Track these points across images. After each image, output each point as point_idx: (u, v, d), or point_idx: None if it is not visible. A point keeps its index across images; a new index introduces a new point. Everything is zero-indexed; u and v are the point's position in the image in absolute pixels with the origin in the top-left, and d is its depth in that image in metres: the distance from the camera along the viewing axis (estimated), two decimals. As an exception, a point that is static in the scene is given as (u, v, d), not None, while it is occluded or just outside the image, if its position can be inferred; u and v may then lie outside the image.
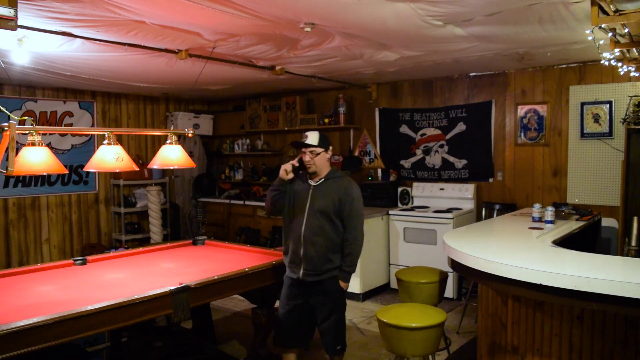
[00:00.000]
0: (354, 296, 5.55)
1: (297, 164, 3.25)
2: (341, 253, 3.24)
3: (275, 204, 3.31)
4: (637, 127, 4.35)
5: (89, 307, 2.60)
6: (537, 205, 4.00)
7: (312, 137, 3.22)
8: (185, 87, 6.32)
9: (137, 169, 3.50)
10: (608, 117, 4.97)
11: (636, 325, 2.32)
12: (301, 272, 3.21)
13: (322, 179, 3.25)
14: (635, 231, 3.96)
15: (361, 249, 3.29)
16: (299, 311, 3.29)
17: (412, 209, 5.87)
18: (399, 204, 6.17)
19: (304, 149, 3.21)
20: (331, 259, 3.20)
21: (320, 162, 3.22)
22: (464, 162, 5.97)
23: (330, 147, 3.30)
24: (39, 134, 2.87)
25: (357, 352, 4.15)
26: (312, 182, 3.26)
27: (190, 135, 3.83)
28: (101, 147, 3.25)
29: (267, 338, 3.96)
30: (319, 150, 3.20)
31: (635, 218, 4.02)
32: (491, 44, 4.12)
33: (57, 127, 6.61)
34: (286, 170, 3.23)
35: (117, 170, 3.37)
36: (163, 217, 7.25)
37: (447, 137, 6.07)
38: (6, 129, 2.62)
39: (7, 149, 2.57)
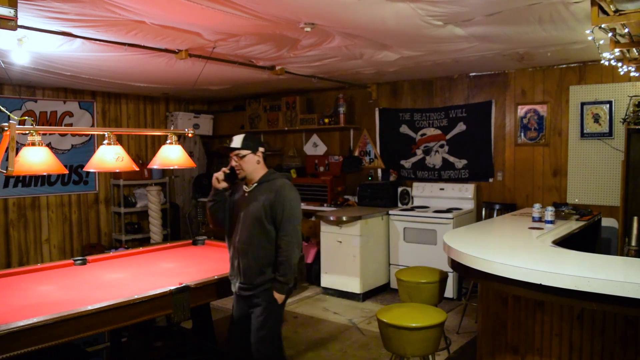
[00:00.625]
0: (353, 296, 5.55)
1: (228, 171, 3.03)
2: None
3: (213, 215, 3.08)
4: (637, 127, 4.35)
5: (89, 307, 2.60)
6: (537, 205, 4.00)
7: (236, 140, 2.97)
8: (185, 87, 6.32)
9: (137, 169, 3.50)
10: (608, 117, 4.97)
11: (636, 325, 2.32)
12: (237, 285, 3.01)
13: (255, 184, 2.99)
14: (635, 231, 3.97)
15: (297, 257, 2.94)
16: (240, 326, 3.05)
17: (412, 209, 5.87)
18: (399, 204, 6.17)
19: (230, 154, 2.98)
20: (265, 271, 2.92)
21: (249, 165, 2.95)
22: (464, 162, 5.97)
23: (261, 148, 3.01)
24: (39, 134, 2.87)
25: (357, 352, 4.16)
26: (246, 189, 3.02)
27: (190, 135, 3.83)
28: (101, 147, 3.25)
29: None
30: (244, 152, 2.93)
31: (635, 218, 4.02)
32: (491, 44, 4.12)
33: (57, 127, 6.61)
34: (217, 179, 3.03)
35: (117, 170, 3.37)
36: (163, 217, 7.25)
37: (447, 137, 6.07)
38: (6, 129, 2.62)
39: (7, 149, 2.57)
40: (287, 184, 2.98)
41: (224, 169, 3.06)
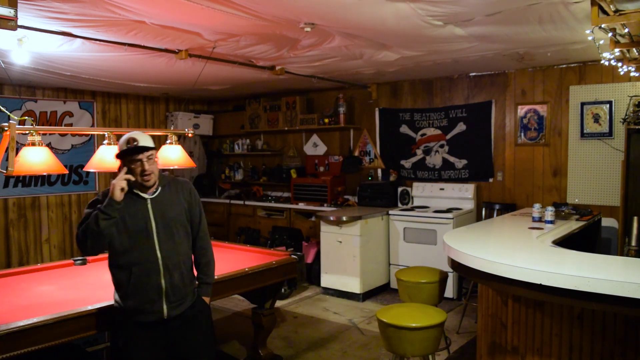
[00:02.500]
0: (353, 296, 5.55)
1: (132, 178, 2.48)
2: (195, 266, 2.72)
3: (104, 236, 2.42)
4: (637, 127, 4.35)
5: (89, 307, 2.60)
6: (537, 205, 4.00)
7: (145, 139, 2.50)
8: (185, 87, 6.32)
9: (137, 169, 3.49)
10: (608, 117, 4.97)
11: (636, 325, 2.32)
12: (165, 308, 2.51)
13: (159, 188, 2.59)
14: (635, 231, 3.96)
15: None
16: (167, 358, 2.59)
17: (412, 209, 5.87)
18: (399, 204, 6.17)
19: (139, 157, 2.47)
20: (192, 278, 2.67)
21: (156, 168, 2.56)
22: (464, 162, 5.97)
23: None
24: (39, 134, 2.87)
25: (357, 352, 4.16)
26: (146, 195, 2.55)
27: (190, 135, 3.84)
28: (101, 147, 3.26)
29: (267, 338, 3.96)
30: (155, 152, 2.55)
31: (635, 218, 4.02)
32: (491, 44, 4.13)
33: (57, 127, 6.61)
34: (122, 189, 2.43)
35: (117, 171, 3.37)
36: (163, 217, 7.24)
37: (447, 137, 6.07)
38: (6, 129, 2.62)
39: (7, 149, 2.58)
40: (188, 181, 2.81)
41: (126, 176, 2.46)
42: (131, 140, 2.47)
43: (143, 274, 2.48)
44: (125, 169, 2.47)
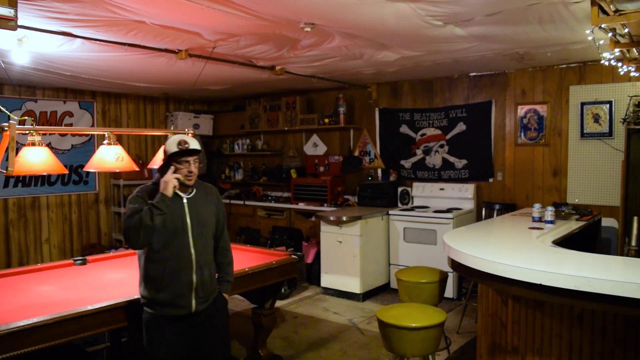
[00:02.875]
0: (353, 296, 5.55)
1: (182, 178, 2.62)
2: (216, 265, 2.86)
3: (154, 231, 2.52)
4: (637, 127, 4.35)
5: (89, 307, 2.60)
6: (537, 205, 4.00)
7: (194, 142, 2.65)
8: (185, 87, 6.32)
9: (137, 169, 3.50)
10: (608, 117, 4.97)
11: (636, 325, 2.32)
12: (193, 303, 2.64)
13: (194, 189, 2.74)
14: (635, 231, 3.96)
15: None
16: (187, 352, 2.71)
17: (412, 209, 5.87)
18: (399, 204, 6.17)
19: (187, 159, 2.62)
20: (214, 276, 2.83)
21: (197, 170, 2.70)
22: (464, 162, 5.97)
23: None
24: (39, 134, 2.87)
25: (357, 352, 4.16)
26: (183, 195, 2.68)
27: (190, 135, 3.84)
28: (101, 147, 3.26)
29: (267, 338, 3.96)
30: (200, 157, 2.71)
31: (635, 218, 4.02)
32: (491, 44, 4.13)
33: (57, 127, 6.61)
34: (175, 187, 2.59)
35: (117, 170, 3.38)
36: (163, 217, 7.24)
37: (447, 137, 6.07)
38: (6, 129, 2.62)
39: (7, 149, 2.58)
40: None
41: (177, 175, 2.61)
42: (182, 142, 2.61)
43: (177, 269, 2.61)
44: (173, 168, 2.61)
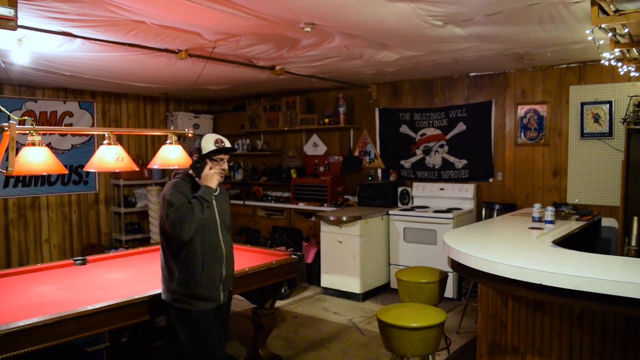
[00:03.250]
0: (353, 296, 5.55)
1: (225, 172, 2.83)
2: None
3: (199, 223, 2.66)
4: (637, 127, 4.35)
5: (89, 307, 2.60)
6: (537, 205, 4.00)
7: (228, 141, 2.85)
8: (185, 87, 6.32)
9: (137, 169, 3.50)
10: (608, 117, 4.97)
11: (636, 325, 2.32)
12: (221, 295, 2.80)
13: (218, 187, 2.86)
14: (635, 231, 3.96)
15: None
16: (221, 336, 2.89)
17: (412, 209, 5.87)
18: (399, 204, 6.17)
19: (222, 156, 2.80)
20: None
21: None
22: (464, 162, 5.97)
23: None
24: (39, 134, 2.87)
25: (357, 352, 4.16)
26: (217, 192, 2.86)
27: (190, 135, 3.84)
28: (101, 147, 3.26)
29: (267, 338, 3.96)
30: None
31: (635, 218, 4.02)
32: (491, 44, 4.12)
33: (57, 127, 6.61)
34: (220, 180, 2.80)
35: (117, 170, 3.37)
36: (163, 217, 7.24)
37: (447, 137, 6.07)
38: (6, 129, 2.62)
39: (7, 149, 2.57)
40: None
41: (221, 169, 2.83)
42: (219, 140, 2.77)
43: (211, 263, 2.74)
44: (210, 165, 2.76)
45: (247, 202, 7.25)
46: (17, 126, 2.72)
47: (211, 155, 2.76)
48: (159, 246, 3.81)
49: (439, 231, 5.37)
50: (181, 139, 6.39)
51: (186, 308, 2.70)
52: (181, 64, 4.54)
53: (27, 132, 2.87)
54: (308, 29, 3.41)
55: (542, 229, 3.65)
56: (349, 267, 5.54)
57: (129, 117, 7.37)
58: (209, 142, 2.75)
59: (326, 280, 5.77)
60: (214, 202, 2.78)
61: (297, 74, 5.38)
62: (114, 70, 5.01)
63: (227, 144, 2.81)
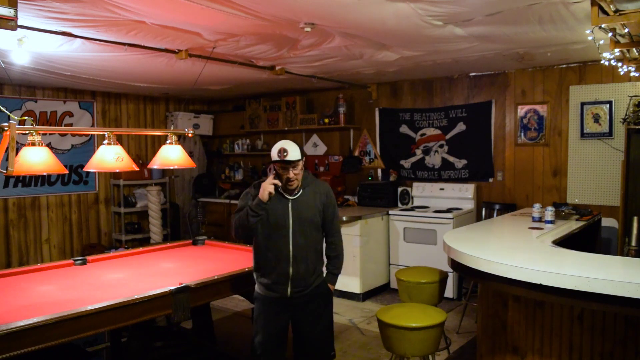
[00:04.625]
0: (353, 296, 5.55)
1: (279, 184, 2.85)
2: (325, 257, 3.10)
3: (252, 229, 2.87)
4: (637, 127, 4.35)
5: (89, 307, 2.60)
6: (537, 205, 4.00)
7: (293, 152, 2.82)
8: (185, 87, 6.32)
9: (137, 169, 3.50)
10: (608, 117, 4.97)
11: (636, 325, 2.32)
12: (289, 290, 2.92)
13: (300, 190, 2.94)
14: (635, 231, 3.97)
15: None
16: (282, 330, 3.01)
17: (412, 209, 5.87)
18: (399, 204, 6.17)
19: (287, 166, 2.83)
20: (318, 269, 3.02)
21: (301, 173, 2.89)
22: (464, 162, 5.97)
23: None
24: (39, 134, 2.87)
25: (357, 352, 4.16)
26: (288, 196, 2.91)
27: (190, 135, 3.84)
28: (101, 147, 3.26)
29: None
30: (302, 163, 2.89)
31: (635, 218, 4.02)
32: (491, 44, 4.12)
33: (57, 127, 6.61)
34: (270, 192, 2.82)
35: (117, 170, 3.37)
36: (163, 217, 7.25)
37: (447, 137, 6.07)
38: (6, 129, 2.62)
39: (7, 149, 2.57)
40: (328, 184, 3.15)
41: (274, 182, 2.83)
42: (282, 150, 2.81)
43: (275, 261, 2.91)
44: (274, 174, 2.88)
45: (247, 202, 7.24)
46: (17, 126, 2.72)
47: (274, 164, 2.88)
48: (162, 246, 3.91)
49: (439, 231, 5.37)
50: (181, 139, 6.40)
51: (255, 289, 3.06)
52: (181, 64, 4.54)
53: (27, 132, 2.86)
54: (308, 29, 3.41)
55: (542, 229, 3.65)
56: (349, 267, 5.54)
57: (129, 117, 7.37)
58: (274, 152, 2.84)
59: (326, 280, 5.76)
60: (289, 207, 2.90)
61: (297, 74, 5.38)
62: (114, 70, 5.00)
63: (290, 156, 2.79)
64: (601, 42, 3.35)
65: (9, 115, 2.79)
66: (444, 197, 5.94)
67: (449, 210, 5.58)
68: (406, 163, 6.41)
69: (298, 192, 2.94)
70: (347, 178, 6.84)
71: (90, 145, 6.86)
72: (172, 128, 7.22)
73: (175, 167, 3.60)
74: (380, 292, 5.77)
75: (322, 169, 7.06)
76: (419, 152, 6.30)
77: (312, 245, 2.97)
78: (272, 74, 5.10)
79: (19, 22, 2.39)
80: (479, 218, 5.77)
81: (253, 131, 7.67)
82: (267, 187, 2.81)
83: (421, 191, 6.09)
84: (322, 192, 3.02)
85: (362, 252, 5.47)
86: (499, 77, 5.72)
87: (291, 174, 2.84)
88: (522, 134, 5.58)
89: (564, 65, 5.26)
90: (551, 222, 3.79)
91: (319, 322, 3.03)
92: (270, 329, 2.97)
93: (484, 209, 5.73)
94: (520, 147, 5.61)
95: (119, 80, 5.70)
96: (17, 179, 6.23)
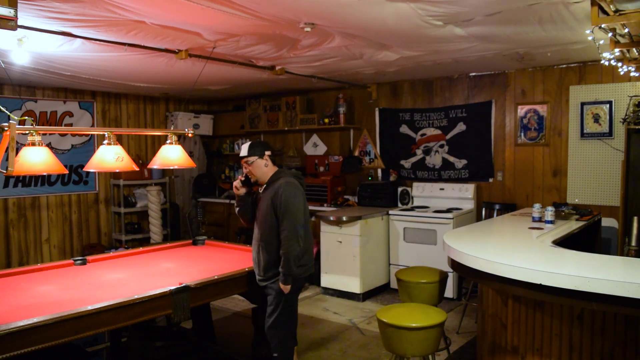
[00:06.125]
0: (353, 296, 5.55)
1: (243, 178, 3.38)
2: None
3: (243, 217, 3.49)
4: (637, 127, 4.35)
5: (89, 307, 2.60)
6: (537, 205, 4.00)
7: (244, 149, 3.29)
8: (185, 87, 6.32)
9: (137, 169, 3.50)
10: (608, 117, 4.97)
11: (636, 325, 2.32)
12: (257, 276, 3.32)
13: (265, 185, 3.31)
14: (635, 231, 3.97)
15: (296, 251, 3.15)
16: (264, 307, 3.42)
17: (412, 209, 5.87)
18: (399, 204, 6.17)
19: (241, 162, 3.33)
20: (274, 264, 3.23)
21: (257, 170, 3.28)
22: (464, 162, 5.97)
23: (267, 152, 3.31)
24: (39, 134, 2.87)
25: (357, 352, 4.16)
26: (260, 190, 3.36)
27: (190, 135, 3.83)
28: (101, 147, 3.26)
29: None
30: (252, 159, 3.27)
31: (635, 218, 4.02)
32: (491, 44, 4.12)
33: (57, 127, 6.61)
34: (236, 187, 3.42)
35: (117, 170, 3.37)
36: (163, 217, 7.25)
37: (447, 137, 6.07)
38: (6, 129, 2.62)
39: (7, 149, 2.57)
40: (287, 182, 3.23)
41: (240, 176, 3.40)
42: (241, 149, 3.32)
43: (254, 248, 3.34)
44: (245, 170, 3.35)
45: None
46: (17, 126, 2.72)
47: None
48: (162, 246, 4.04)
49: (439, 231, 5.37)
50: (181, 139, 6.39)
51: None
52: (181, 64, 4.54)
53: (27, 132, 2.86)
54: (308, 29, 3.41)
55: (542, 229, 3.65)
56: (349, 267, 5.54)
57: (129, 117, 7.37)
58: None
59: (326, 280, 5.77)
60: (261, 198, 3.31)
61: (297, 74, 5.38)
62: (114, 70, 5.00)
63: (241, 152, 3.31)
64: (601, 42, 3.35)
65: (9, 115, 2.79)
66: (444, 197, 5.94)
67: (449, 210, 5.58)
68: (406, 163, 6.41)
69: (264, 187, 3.31)
70: (347, 178, 6.84)
71: (90, 145, 6.86)
72: (172, 128, 7.22)
73: (175, 167, 3.60)
74: (380, 292, 5.77)
75: (322, 169, 7.06)
76: (419, 152, 6.30)
77: (266, 239, 3.24)
78: (272, 74, 5.10)
79: (19, 22, 2.39)
80: (479, 218, 5.77)
81: (253, 131, 7.66)
82: (235, 182, 3.43)
83: (421, 191, 6.09)
84: (275, 188, 3.22)
85: (362, 252, 5.47)
86: (499, 77, 5.72)
87: (246, 170, 3.31)
88: (522, 134, 5.58)
89: (564, 65, 5.26)
90: (551, 222, 3.79)
91: (268, 318, 3.27)
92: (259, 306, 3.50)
93: (484, 209, 5.73)
94: (520, 147, 5.61)
95: (119, 80, 5.70)
96: (17, 179, 6.23)
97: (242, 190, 3.42)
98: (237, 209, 3.46)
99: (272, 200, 3.19)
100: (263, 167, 3.28)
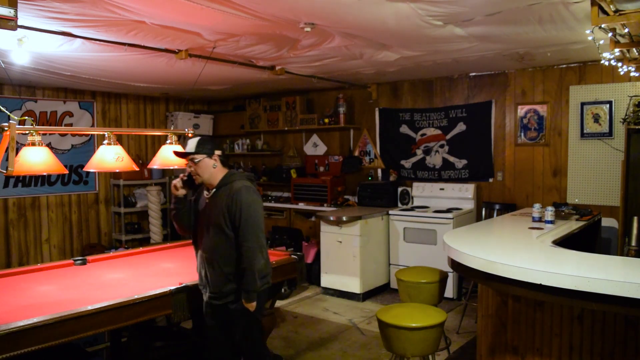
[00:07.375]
0: (353, 296, 5.55)
1: (185, 177, 2.91)
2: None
3: (178, 222, 2.98)
4: (637, 127, 4.35)
5: (89, 307, 2.60)
6: (537, 205, 4.00)
7: (190, 144, 2.83)
8: (185, 87, 6.32)
9: (137, 169, 3.50)
10: (608, 117, 4.97)
11: (636, 325, 2.32)
12: (206, 295, 2.91)
13: (214, 189, 2.86)
14: (635, 231, 3.96)
15: (260, 263, 2.74)
16: (215, 335, 2.98)
17: (412, 209, 5.87)
18: (399, 204, 6.17)
19: (185, 159, 2.86)
20: (232, 279, 2.80)
21: (205, 170, 2.82)
22: (464, 162, 5.97)
23: (217, 152, 2.87)
24: (39, 134, 2.87)
25: (357, 352, 4.16)
26: (207, 194, 2.90)
27: (190, 135, 3.83)
28: (101, 147, 3.26)
29: (267, 338, 3.96)
30: (199, 157, 2.80)
31: (635, 218, 4.01)
32: (491, 44, 4.12)
33: (57, 127, 6.61)
34: (175, 186, 2.91)
35: (117, 170, 3.38)
36: (163, 217, 7.25)
37: (447, 137, 6.07)
38: (6, 129, 2.62)
39: (7, 149, 2.58)
40: (245, 187, 2.81)
41: (181, 175, 2.93)
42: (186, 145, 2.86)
43: (198, 263, 2.95)
44: (188, 170, 2.91)
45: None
46: (17, 126, 2.72)
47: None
48: (161, 246, 3.93)
49: (439, 231, 5.37)
50: (181, 139, 6.40)
51: None
52: (181, 64, 4.54)
53: (27, 132, 2.87)
54: (308, 29, 3.41)
55: (542, 229, 3.65)
56: (349, 267, 5.54)
57: (129, 117, 7.37)
58: None
59: (326, 280, 5.77)
60: (204, 205, 2.92)
61: (297, 74, 5.38)
62: (114, 70, 5.00)
63: (187, 148, 2.87)
64: (601, 42, 3.35)
65: (9, 115, 2.79)
66: (444, 197, 5.94)
67: (449, 210, 5.58)
68: (407, 163, 6.41)
69: (213, 190, 2.86)
70: (347, 178, 6.84)
71: (90, 145, 6.86)
72: (172, 128, 7.23)
73: (175, 167, 3.60)
74: (380, 292, 5.77)
75: (322, 169, 7.06)
76: (419, 152, 6.30)
77: (217, 250, 2.79)
78: (272, 74, 5.10)
79: (19, 22, 2.39)
80: (479, 218, 5.77)
81: (253, 131, 7.66)
82: (174, 181, 2.94)
83: (421, 191, 6.09)
84: (231, 193, 2.77)
85: (362, 252, 5.47)
86: (499, 77, 5.72)
87: (191, 168, 2.86)
88: (522, 134, 5.58)
89: (564, 65, 5.26)
90: (551, 222, 3.79)
91: (227, 340, 2.93)
92: (208, 327, 2.99)
93: (484, 209, 5.73)
94: (520, 147, 5.61)
95: (119, 80, 5.70)
96: (17, 179, 6.23)
97: (182, 192, 2.92)
98: (172, 212, 2.95)
99: (227, 206, 2.74)
100: (211, 168, 2.83)
